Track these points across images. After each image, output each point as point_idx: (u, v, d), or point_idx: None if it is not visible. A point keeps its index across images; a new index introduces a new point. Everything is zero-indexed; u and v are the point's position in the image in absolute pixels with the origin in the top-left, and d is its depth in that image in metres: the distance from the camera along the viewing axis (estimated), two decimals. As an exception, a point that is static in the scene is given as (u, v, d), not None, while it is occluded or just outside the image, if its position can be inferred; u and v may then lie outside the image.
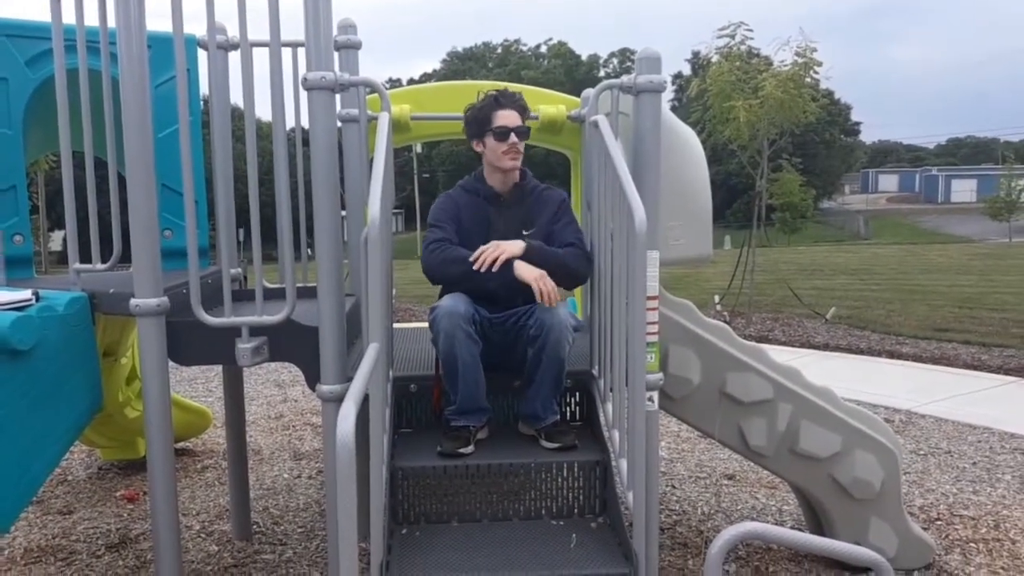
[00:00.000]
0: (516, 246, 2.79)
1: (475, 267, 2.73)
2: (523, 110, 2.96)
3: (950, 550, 3.59)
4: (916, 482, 4.47)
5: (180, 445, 5.14)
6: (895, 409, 6.04)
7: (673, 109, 3.08)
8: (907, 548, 3.28)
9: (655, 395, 2.63)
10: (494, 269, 2.72)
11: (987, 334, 8.93)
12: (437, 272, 2.86)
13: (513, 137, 2.90)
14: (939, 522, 3.91)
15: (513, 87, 3.14)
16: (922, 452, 5.03)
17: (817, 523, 3.43)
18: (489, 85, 3.12)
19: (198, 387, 7.20)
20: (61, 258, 28.29)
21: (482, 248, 2.77)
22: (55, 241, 34.92)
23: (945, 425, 5.63)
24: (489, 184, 3.02)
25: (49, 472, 2.60)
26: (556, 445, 2.82)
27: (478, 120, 2.94)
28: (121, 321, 3.62)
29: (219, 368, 6.42)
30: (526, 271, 2.75)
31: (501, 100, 2.93)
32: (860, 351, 8.41)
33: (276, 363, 5.53)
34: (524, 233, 2.95)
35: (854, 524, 3.23)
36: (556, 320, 2.72)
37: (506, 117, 2.90)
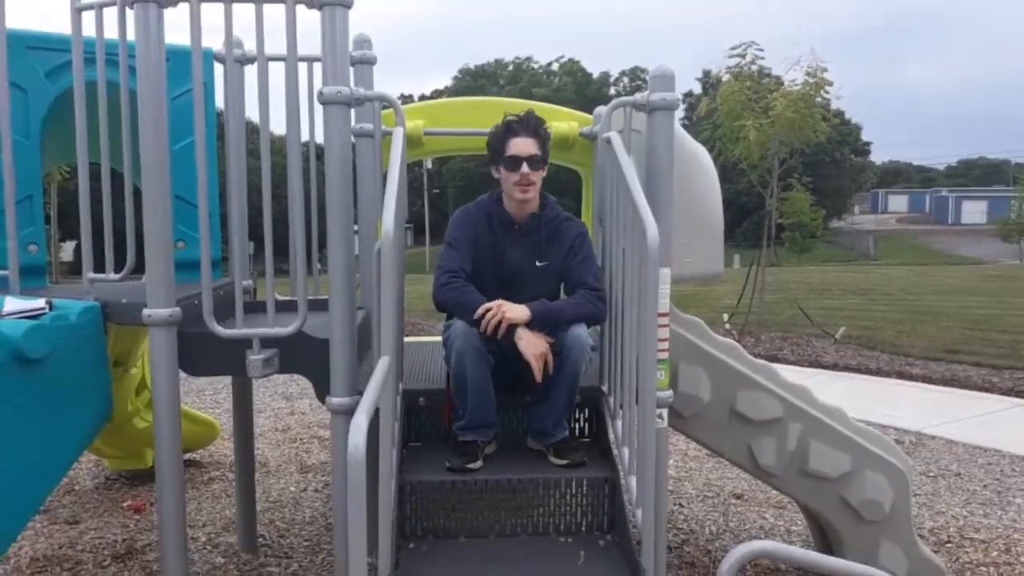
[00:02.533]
0: (521, 313, 2.65)
1: (479, 328, 2.65)
2: (540, 137, 2.81)
3: (961, 574, 3.56)
4: (926, 504, 4.44)
5: (187, 456, 5.14)
6: (905, 430, 6.00)
7: (683, 127, 3.07)
8: (917, 571, 3.24)
9: (665, 412, 2.62)
10: (499, 335, 2.64)
11: (998, 356, 8.87)
12: (446, 309, 2.81)
13: (525, 167, 2.77)
14: (949, 545, 3.88)
15: (524, 104, 3.13)
16: (932, 474, 5.00)
17: (826, 544, 3.40)
18: (501, 101, 3.12)
19: (206, 399, 7.21)
20: (72, 268, 28.41)
21: (487, 306, 2.65)
22: (66, 251, 35.10)
23: (955, 447, 5.60)
24: (506, 209, 2.92)
25: (58, 481, 2.61)
26: (565, 461, 2.81)
27: (493, 147, 2.85)
28: (132, 331, 3.63)
29: (227, 380, 6.43)
30: (528, 345, 2.64)
31: (515, 127, 2.79)
32: (869, 371, 8.37)
33: (284, 376, 5.54)
34: (537, 264, 2.91)
35: (864, 546, 3.20)
36: (576, 340, 2.70)
37: (519, 145, 2.78)
